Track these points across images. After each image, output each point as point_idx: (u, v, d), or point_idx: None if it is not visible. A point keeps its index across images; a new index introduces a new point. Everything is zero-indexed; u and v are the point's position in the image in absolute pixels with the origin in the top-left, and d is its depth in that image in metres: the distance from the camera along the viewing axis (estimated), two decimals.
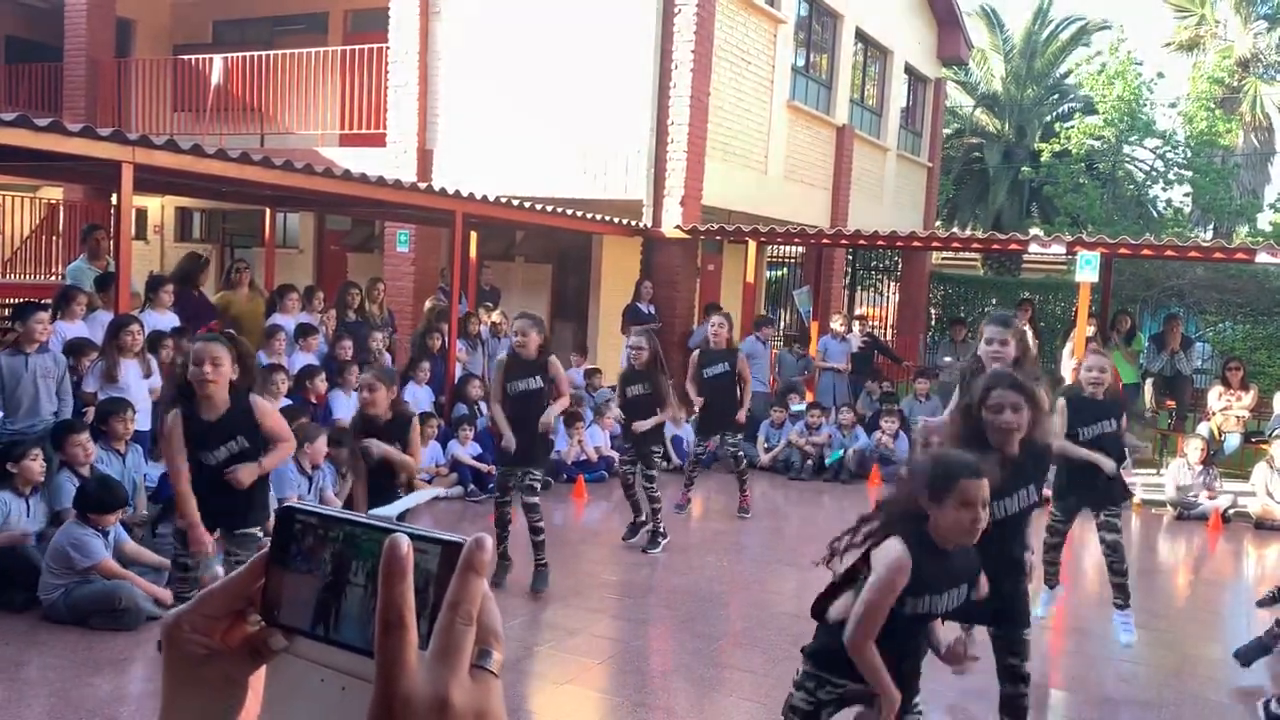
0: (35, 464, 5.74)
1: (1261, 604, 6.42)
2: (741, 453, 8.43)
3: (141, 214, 16.74)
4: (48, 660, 4.83)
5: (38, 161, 7.98)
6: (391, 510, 0.68)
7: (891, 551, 2.93)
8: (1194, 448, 9.69)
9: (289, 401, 8.11)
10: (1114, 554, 5.52)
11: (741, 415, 8.26)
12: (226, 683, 0.66)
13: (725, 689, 4.97)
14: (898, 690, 2.94)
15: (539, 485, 6.33)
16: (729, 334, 8.40)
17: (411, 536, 0.59)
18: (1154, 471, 10.74)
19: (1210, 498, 9.47)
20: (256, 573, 0.65)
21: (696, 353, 8.45)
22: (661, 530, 7.34)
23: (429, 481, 8.48)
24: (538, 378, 6.25)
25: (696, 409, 8.46)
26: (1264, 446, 10.29)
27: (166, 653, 0.66)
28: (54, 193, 15.60)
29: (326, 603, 0.62)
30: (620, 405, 7.85)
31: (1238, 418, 10.81)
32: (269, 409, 4.77)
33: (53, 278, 13.50)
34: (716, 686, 5.00)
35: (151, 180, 8.84)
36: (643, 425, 7.25)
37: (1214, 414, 10.89)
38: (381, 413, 5.32)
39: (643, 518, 7.42)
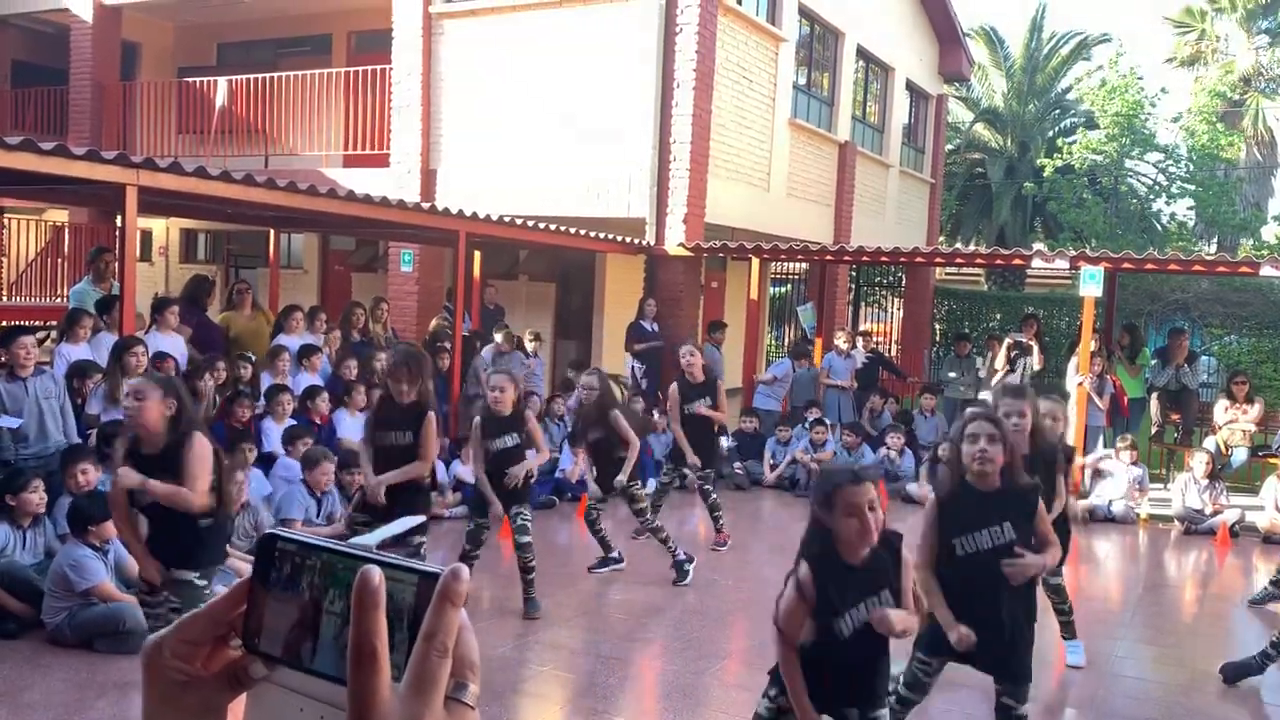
0: (34, 496, 5.71)
1: (1255, 601, 6.50)
2: (710, 486, 8.06)
3: (146, 235, 16.82)
4: (51, 684, 4.81)
5: (43, 185, 8.02)
6: (372, 539, 0.67)
7: (792, 580, 3.18)
8: (1199, 462, 9.65)
9: (293, 421, 8.12)
10: (1056, 596, 5.51)
11: (692, 458, 7.70)
12: (204, 710, 0.65)
13: (732, 710, 4.94)
14: (815, 715, 3.12)
15: (530, 524, 6.19)
16: (704, 360, 7.94)
17: (388, 566, 0.59)
18: (1160, 486, 10.70)
19: (1217, 512, 9.43)
20: (238, 599, 0.64)
21: (674, 388, 7.98)
22: (685, 556, 7.03)
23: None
24: (514, 435, 6.09)
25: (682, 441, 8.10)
26: (1272, 460, 10.25)
27: (146, 677, 0.66)
28: (60, 215, 15.68)
29: (304, 631, 0.61)
30: (588, 448, 7.37)
31: (1244, 431, 10.77)
32: (202, 452, 4.30)
33: (58, 300, 13.55)
34: (724, 708, 4.97)
35: (156, 202, 8.88)
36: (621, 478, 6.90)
37: (1220, 428, 10.85)
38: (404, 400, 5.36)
39: (615, 554, 7.20)
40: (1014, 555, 3.68)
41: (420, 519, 0.98)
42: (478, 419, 6.21)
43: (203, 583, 4.42)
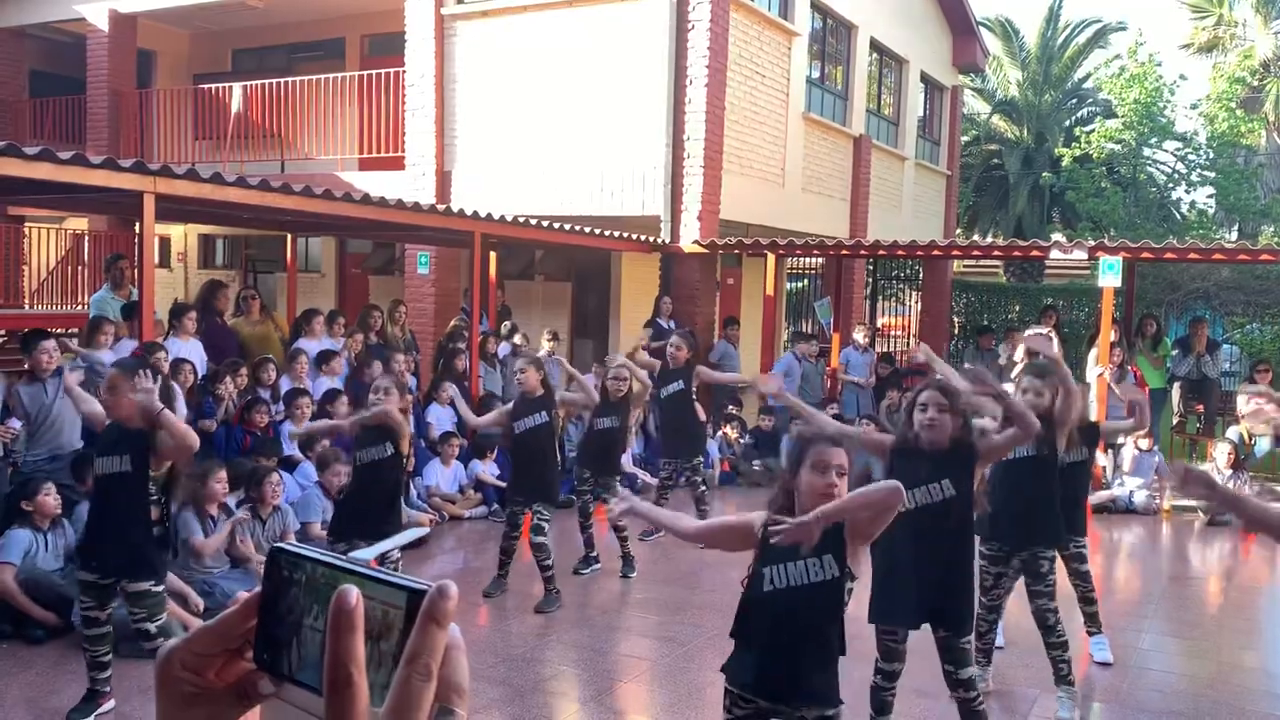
0: (49, 499, 5.76)
1: None
2: (700, 478, 8.10)
3: (165, 242, 16.92)
4: (77, 690, 4.84)
5: (62, 193, 8.08)
6: (369, 553, 0.66)
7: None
8: (1222, 452, 9.57)
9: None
10: (1083, 583, 5.42)
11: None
12: None
13: None
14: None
15: (547, 525, 6.31)
16: (689, 353, 8.14)
17: (374, 582, 0.57)
18: None
19: None
20: (249, 612, 0.62)
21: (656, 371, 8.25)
22: (630, 553, 7.16)
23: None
24: (543, 413, 6.30)
25: (648, 432, 8.36)
26: None
27: (158, 687, 0.64)
28: (79, 223, 15.79)
29: (292, 646, 0.59)
30: (587, 435, 7.57)
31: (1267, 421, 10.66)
32: (172, 417, 4.30)
33: (79, 308, 13.65)
34: None
35: (174, 208, 8.94)
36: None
37: (1243, 418, 10.74)
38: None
39: (594, 553, 7.26)
40: (949, 511, 3.88)
41: (423, 531, 0.97)
42: (510, 405, 6.49)
43: (160, 589, 4.54)
